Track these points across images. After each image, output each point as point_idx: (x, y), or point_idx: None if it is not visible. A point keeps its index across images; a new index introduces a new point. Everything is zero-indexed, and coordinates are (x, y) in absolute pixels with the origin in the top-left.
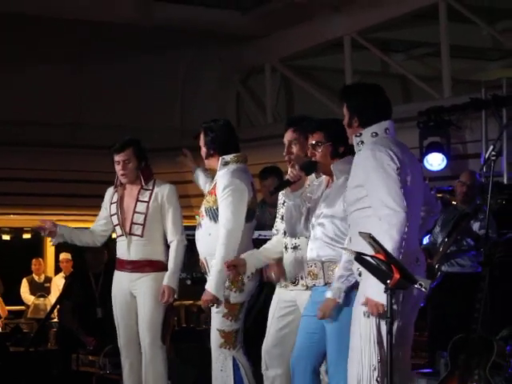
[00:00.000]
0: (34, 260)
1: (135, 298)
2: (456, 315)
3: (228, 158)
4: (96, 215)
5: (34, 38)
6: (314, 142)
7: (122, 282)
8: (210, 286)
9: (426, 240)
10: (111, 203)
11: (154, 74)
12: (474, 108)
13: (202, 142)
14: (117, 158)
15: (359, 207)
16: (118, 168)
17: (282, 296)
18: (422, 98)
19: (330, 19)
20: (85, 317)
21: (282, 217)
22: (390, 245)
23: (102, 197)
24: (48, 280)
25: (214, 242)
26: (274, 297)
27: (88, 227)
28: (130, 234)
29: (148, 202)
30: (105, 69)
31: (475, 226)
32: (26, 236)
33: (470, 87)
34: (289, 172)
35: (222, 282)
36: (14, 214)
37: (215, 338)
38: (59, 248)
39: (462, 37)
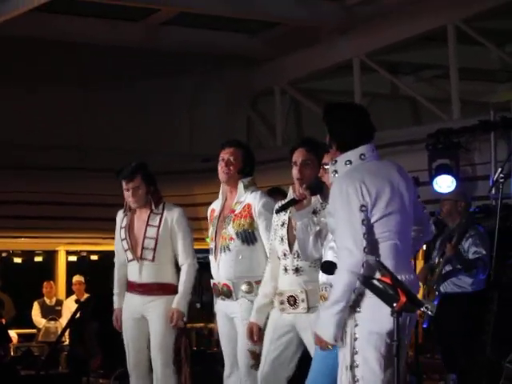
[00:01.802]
0: (45, 283)
1: (147, 320)
2: (457, 337)
3: (246, 180)
4: (107, 238)
5: (41, 61)
6: (323, 163)
7: (133, 304)
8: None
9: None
10: (121, 228)
11: (163, 97)
12: (483, 130)
13: (237, 157)
14: (126, 185)
15: (333, 238)
16: (128, 194)
17: (279, 321)
18: (431, 119)
19: (339, 42)
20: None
21: (282, 238)
22: (339, 285)
23: (112, 220)
24: (59, 303)
25: (246, 264)
26: (270, 321)
27: (98, 250)
28: (142, 258)
29: (158, 227)
30: (112, 92)
31: (466, 244)
32: (38, 259)
33: (479, 109)
34: (297, 190)
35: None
36: (25, 237)
37: (245, 360)
38: (71, 271)
39: (470, 59)
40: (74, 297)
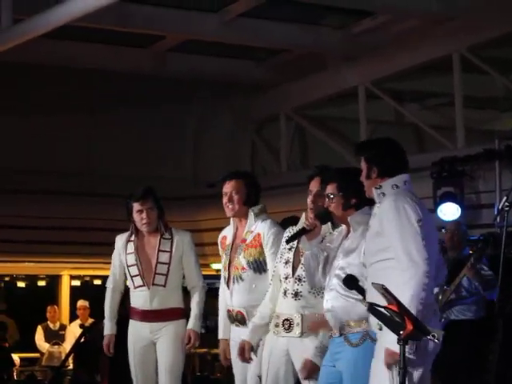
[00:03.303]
0: (48, 307)
1: (154, 345)
2: (463, 364)
3: (256, 209)
4: (109, 263)
5: (48, 87)
6: (328, 193)
7: (142, 331)
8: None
9: None
10: (127, 253)
11: (168, 123)
12: (488, 158)
13: (239, 189)
14: (140, 206)
15: (381, 258)
16: (142, 216)
17: (275, 344)
18: (436, 147)
19: (344, 69)
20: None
21: (287, 261)
22: (408, 295)
23: (114, 244)
24: (63, 327)
25: (259, 292)
26: (266, 345)
27: (101, 275)
28: (154, 284)
29: (170, 252)
30: (117, 118)
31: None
32: (41, 283)
33: (484, 137)
34: (305, 219)
35: None
36: (28, 261)
37: None
38: (75, 295)
39: (475, 87)
40: (78, 321)
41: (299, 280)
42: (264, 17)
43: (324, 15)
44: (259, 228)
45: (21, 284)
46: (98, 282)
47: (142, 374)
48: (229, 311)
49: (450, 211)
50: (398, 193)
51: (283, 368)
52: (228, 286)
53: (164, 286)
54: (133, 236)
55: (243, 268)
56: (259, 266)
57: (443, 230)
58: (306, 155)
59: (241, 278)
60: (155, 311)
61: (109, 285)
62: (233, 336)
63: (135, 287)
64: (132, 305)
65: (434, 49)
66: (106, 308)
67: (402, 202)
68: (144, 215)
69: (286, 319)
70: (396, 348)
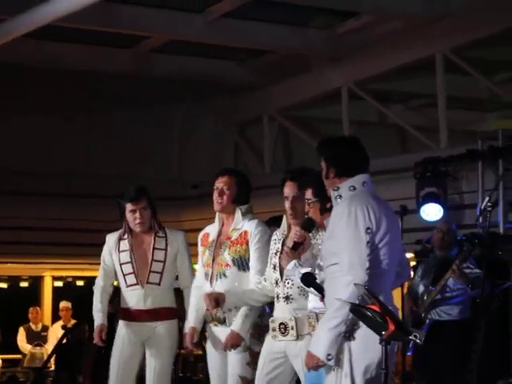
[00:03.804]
0: (30, 308)
1: (143, 346)
2: (447, 364)
3: (244, 208)
4: (93, 264)
5: (33, 88)
6: (306, 199)
7: (133, 332)
8: None
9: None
10: (120, 251)
11: (151, 124)
12: (471, 159)
13: (231, 185)
14: (133, 206)
15: (332, 262)
16: (135, 216)
17: (272, 348)
18: (419, 148)
19: (328, 70)
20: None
21: (275, 266)
22: (337, 301)
23: (98, 245)
24: (45, 329)
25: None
26: (263, 349)
27: (84, 276)
28: (148, 282)
29: (165, 250)
30: (101, 118)
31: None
32: (23, 284)
33: (467, 138)
34: (293, 233)
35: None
36: (11, 262)
37: None
38: (57, 296)
39: (458, 88)
40: (60, 322)
41: (288, 283)
42: (248, 17)
43: (309, 16)
44: (246, 226)
45: (3, 285)
46: (80, 283)
47: (123, 375)
48: (207, 310)
49: (432, 212)
50: (353, 196)
51: (283, 373)
52: (211, 284)
53: (158, 284)
54: (126, 234)
55: (227, 265)
56: (243, 264)
57: (435, 230)
58: (290, 156)
59: (224, 274)
60: (149, 311)
61: (99, 282)
62: (210, 335)
63: (128, 286)
64: (123, 305)
65: (417, 50)
66: (96, 303)
67: (354, 207)
68: (137, 215)
69: (282, 323)
70: (317, 352)
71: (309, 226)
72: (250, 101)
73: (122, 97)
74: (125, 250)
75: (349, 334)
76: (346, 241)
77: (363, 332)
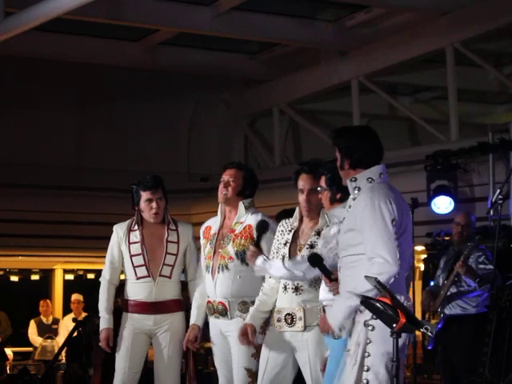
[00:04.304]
0: (41, 301)
1: (151, 338)
2: (462, 358)
3: (247, 202)
4: (104, 257)
5: (39, 81)
6: (319, 186)
7: (143, 324)
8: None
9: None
10: (130, 243)
11: (161, 118)
12: (481, 152)
13: (237, 178)
14: (150, 195)
15: (352, 253)
16: (152, 206)
17: (276, 340)
18: (430, 141)
19: (338, 63)
20: None
21: (284, 257)
22: (364, 286)
23: (109, 238)
24: (56, 321)
25: (243, 284)
26: (268, 340)
27: (94, 269)
28: (161, 275)
29: (178, 243)
30: (110, 111)
31: (473, 264)
32: (34, 277)
33: (477, 131)
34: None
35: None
36: (22, 255)
37: (243, 378)
38: (68, 289)
39: (469, 81)
40: (71, 315)
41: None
42: (257, 10)
43: (318, 9)
44: (250, 219)
45: (14, 278)
46: (91, 276)
47: (131, 368)
48: (209, 302)
49: (443, 204)
50: (373, 188)
51: (283, 363)
52: (213, 276)
53: (169, 277)
54: (135, 225)
55: (230, 257)
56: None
57: (453, 223)
58: (300, 149)
59: (226, 267)
60: (159, 303)
61: (105, 276)
62: (212, 328)
63: (138, 278)
64: (131, 297)
65: (427, 42)
66: (103, 301)
67: (377, 201)
68: (154, 205)
69: (288, 314)
70: (332, 321)
71: (261, 229)
72: (259, 94)
73: (130, 90)
74: (135, 242)
75: (368, 323)
76: (373, 234)
77: (381, 323)
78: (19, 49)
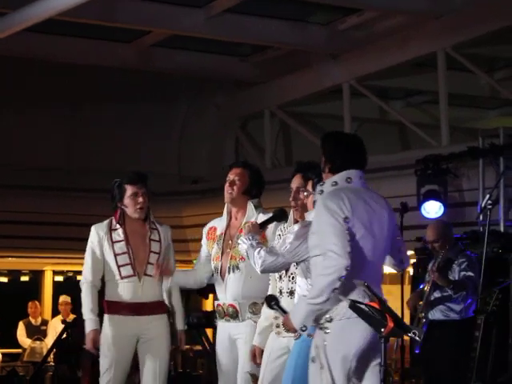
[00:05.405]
0: (30, 303)
1: (137, 341)
2: (446, 363)
3: (255, 201)
4: None
5: (30, 82)
6: (307, 189)
7: (127, 326)
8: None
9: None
10: (113, 242)
11: (152, 119)
12: (472, 156)
13: (243, 177)
14: (135, 189)
15: (313, 254)
16: (137, 200)
17: (275, 344)
18: (420, 145)
19: (329, 66)
20: None
21: None
22: (320, 283)
23: None
24: (45, 323)
25: (254, 285)
26: (267, 345)
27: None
28: (145, 274)
29: (160, 242)
30: (101, 113)
31: (456, 270)
32: (24, 278)
33: (468, 135)
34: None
35: None
36: (11, 256)
37: (245, 383)
38: (58, 291)
39: (460, 85)
40: (59, 317)
41: (293, 278)
42: (250, 13)
43: (310, 12)
44: (261, 219)
45: (3, 279)
46: (80, 277)
47: (116, 374)
48: (218, 306)
49: (433, 209)
50: (332, 191)
51: (282, 367)
52: (223, 278)
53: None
54: (116, 224)
55: (242, 258)
56: None
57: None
58: (291, 152)
59: (237, 267)
60: (144, 304)
61: (87, 278)
62: (220, 332)
63: (122, 277)
64: (113, 298)
65: (419, 46)
66: (88, 303)
67: (329, 201)
68: (140, 199)
69: None
70: (294, 320)
71: (280, 214)
72: (251, 96)
73: (122, 91)
74: (119, 241)
75: (324, 327)
76: (325, 231)
77: (337, 325)
78: (11, 49)
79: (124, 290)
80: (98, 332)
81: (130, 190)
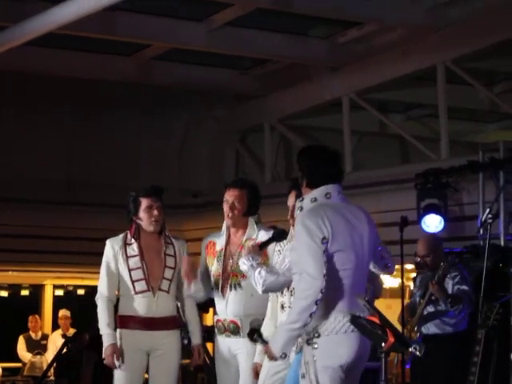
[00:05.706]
0: (30, 317)
1: (148, 355)
2: (442, 376)
3: (256, 217)
4: (94, 272)
5: (32, 96)
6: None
7: (140, 341)
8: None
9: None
10: (128, 257)
11: (153, 133)
12: (472, 170)
13: (242, 199)
14: (151, 202)
15: (293, 271)
16: (153, 213)
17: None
18: (420, 159)
19: (329, 80)
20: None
21: None
22: (297, 307)
23: (100, 254)
24: (45, 337)
25: (256, 302)
26: (265, 361)
27: (84, 284)
28: (160, 289)
29: (175, 257)
30: (102, 126)
31: (449, 283)
32: (24, 293)
33: (468, 149)
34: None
35: None
36: (12, 270)
37: None
38: (58, 305)
39: (459, 99)
40: (59, 331)
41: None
42: (250, 26)
43: (310, 25)
44: (262, 236)
45: (3, 293)
46: (81, 291)
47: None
48: (219, 321)
49: (433, 223)
50: (312, 208)
51: (281, 375)
52: (224, 295)
53: (168, 292)
54: (131, 239)
55: (243, 276)
56: None
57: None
58: (291, 166)
59: (239, 285)
60: (159, 319)
61: (103, 293)
62: (220, 347)
63: (136, 292)
64: (128, 313)
65: (418, 60)
66: (104, 318)
67: (308, 220)
68: (155, 212)
69: None
70: (273, 348)
71: (280, 235)
72: (251, 109)
73: (122, 104)
74: (134, 256)
75: (312, 342)
76: (303, 251)
77: (326, 340)
78: (11, 64)
79: (138, 304)
80: (116, 346)
81: (144, 202)
